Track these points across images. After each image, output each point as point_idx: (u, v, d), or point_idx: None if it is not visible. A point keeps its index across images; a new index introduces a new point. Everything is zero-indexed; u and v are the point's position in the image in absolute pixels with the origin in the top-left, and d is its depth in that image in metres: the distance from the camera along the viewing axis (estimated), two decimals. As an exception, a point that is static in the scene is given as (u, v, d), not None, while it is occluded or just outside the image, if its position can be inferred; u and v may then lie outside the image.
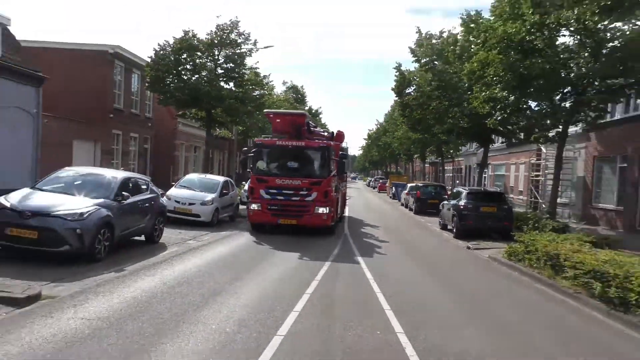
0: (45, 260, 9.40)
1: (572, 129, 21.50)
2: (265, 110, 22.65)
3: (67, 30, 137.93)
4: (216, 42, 26.67)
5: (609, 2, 10.94)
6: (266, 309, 7.59)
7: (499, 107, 20.23)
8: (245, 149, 19.68)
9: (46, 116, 19.98)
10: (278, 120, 18.68)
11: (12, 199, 9.93)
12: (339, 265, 11.89)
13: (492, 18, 19.68)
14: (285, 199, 15.91)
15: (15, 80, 18.05)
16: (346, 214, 24.68)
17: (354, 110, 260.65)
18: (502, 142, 32.84)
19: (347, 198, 27.34)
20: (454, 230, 18.94)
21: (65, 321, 6.42)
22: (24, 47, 19.91)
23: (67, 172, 11.88)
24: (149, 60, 26.58)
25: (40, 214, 9.49)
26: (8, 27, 18.36)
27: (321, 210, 15.88)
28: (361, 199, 45.09)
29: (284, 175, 16.18)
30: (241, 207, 21.20)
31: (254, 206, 16.22)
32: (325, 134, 20.84)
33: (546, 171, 27.17)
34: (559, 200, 21.73)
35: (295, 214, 15.92)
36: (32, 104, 18.88)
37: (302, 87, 56.82)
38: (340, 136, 21.09)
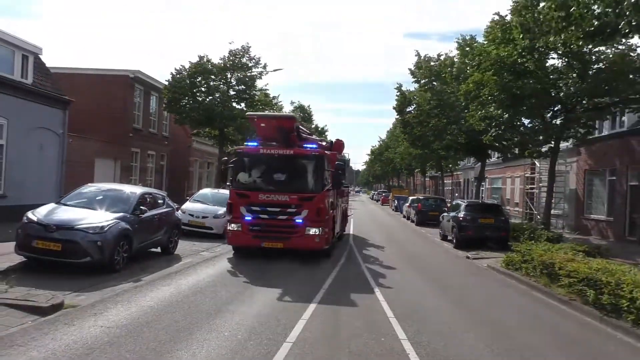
0: (68, 271, 9.39)
1: (563, 144, 21.43)
2: (247, 113, 18.34)
3: (92, 55, 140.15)
4: (229, 66, 26.98)
5: (592, 29, 11.04)
6: (275, 317, 7.52)
7: (493, 124, 20.27)
8: (225, 158, 15.38)
9: (71, 136, 20.16)
10: (263, 125, 14.19)
11: (39, 214, 9.97)
12: (346, 273, 11.83)
13: (485, 42, 19.77)
14: (270, 217, 12.67)
15: (44, 104, 18.32)
16: (351, 228, 23.29)
17: (358, 127, 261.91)
18: (498, 157, 32.68)
19: (349, 214, 23.27)
20: (454, 240, 18.81)
21: (86, 329, 6.38)
22: (52, 73, 20.17)
23: (90, 188, 11.92)
24: (166, 83, 26.93)
25: (64, 227, 9.51)
26: (40, 55, 18.64)
27: (313, 231, 12.65)
28: (365, 211, 44.98)
29: (269, 190, 13.00)
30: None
31: (233, 226, 12.96)
32: (324, 143, 17.39)
33: (540, 184, 27.02)
34: (552, 211, 21.57)
35: (281, 236, 12.68)
36: (59, 125, 19.10)
37: (308, 106, 56.63)
38: (339, 145, 17.69)
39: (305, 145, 13.92)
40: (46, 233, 9.37)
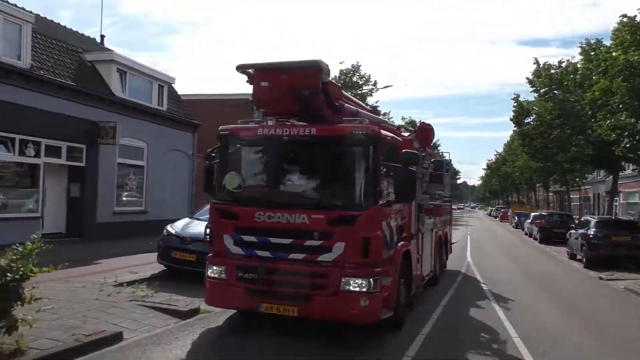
0: (201, 279, 10.25)
1: None
2: (238, 65, 7.42)
3: (214, 79, 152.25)
4: (340, 85, 27.84)
5: None
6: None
7: (626, 134, 18.48)
8: (210, 149, 7.99)
9: (199, 157, 22.10)
10: (264, 84, 7.35)
11: (176, 227, 11.14)
12: (462, 292, 11.53)
13: (612, 46, 18.25)
14: (275, 255, 6.75)
15: (177, 128, 20.41)
16: (467, 250, 20.73)
17: (470, 141, 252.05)
18: (634, 169, 29.65)
19: (453, 241, 16.46)
20: (584, 259, 17.41)
21: (221, 333, 6.99)
22: (183, 99, 22.39)
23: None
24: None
25: (198, 239, 10.42)
26: (172, 85, 20.84)
27: (355, 283, 6.44)
28: (483, 227, 43.70)
29: (273, 204, 6.95)
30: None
31: (214, 270, 7.22)
32: (407, 133, 11.50)
33: (687, 198, 24.01)
34: None
35: (295, 293, 6.61)
36: (189, 147, 21.12)
37: (419, 121, 55.91)
38: (424, 132, 11.03)
39: (343, 120, 7.44)
40: (183, 245, 10.42)
